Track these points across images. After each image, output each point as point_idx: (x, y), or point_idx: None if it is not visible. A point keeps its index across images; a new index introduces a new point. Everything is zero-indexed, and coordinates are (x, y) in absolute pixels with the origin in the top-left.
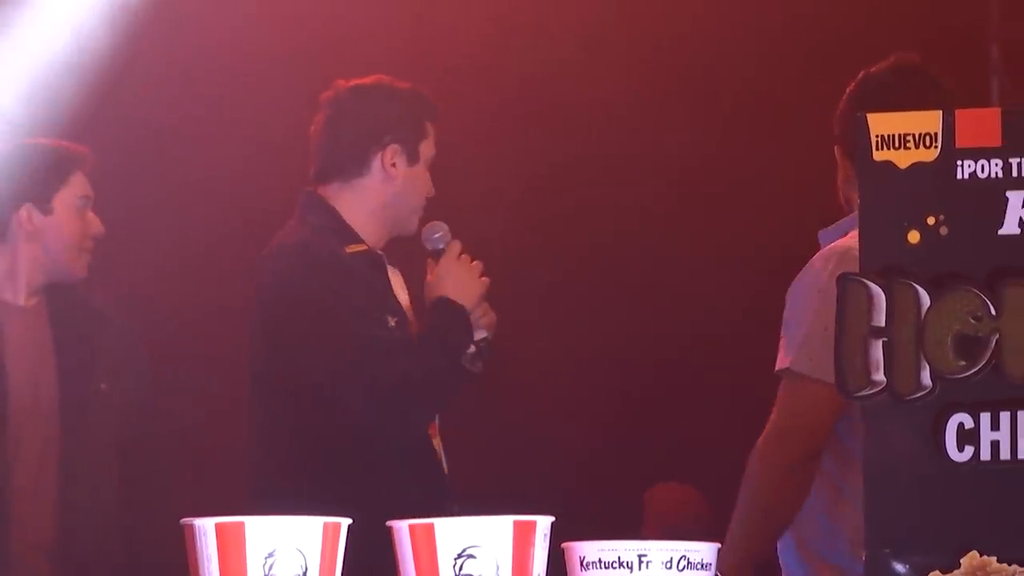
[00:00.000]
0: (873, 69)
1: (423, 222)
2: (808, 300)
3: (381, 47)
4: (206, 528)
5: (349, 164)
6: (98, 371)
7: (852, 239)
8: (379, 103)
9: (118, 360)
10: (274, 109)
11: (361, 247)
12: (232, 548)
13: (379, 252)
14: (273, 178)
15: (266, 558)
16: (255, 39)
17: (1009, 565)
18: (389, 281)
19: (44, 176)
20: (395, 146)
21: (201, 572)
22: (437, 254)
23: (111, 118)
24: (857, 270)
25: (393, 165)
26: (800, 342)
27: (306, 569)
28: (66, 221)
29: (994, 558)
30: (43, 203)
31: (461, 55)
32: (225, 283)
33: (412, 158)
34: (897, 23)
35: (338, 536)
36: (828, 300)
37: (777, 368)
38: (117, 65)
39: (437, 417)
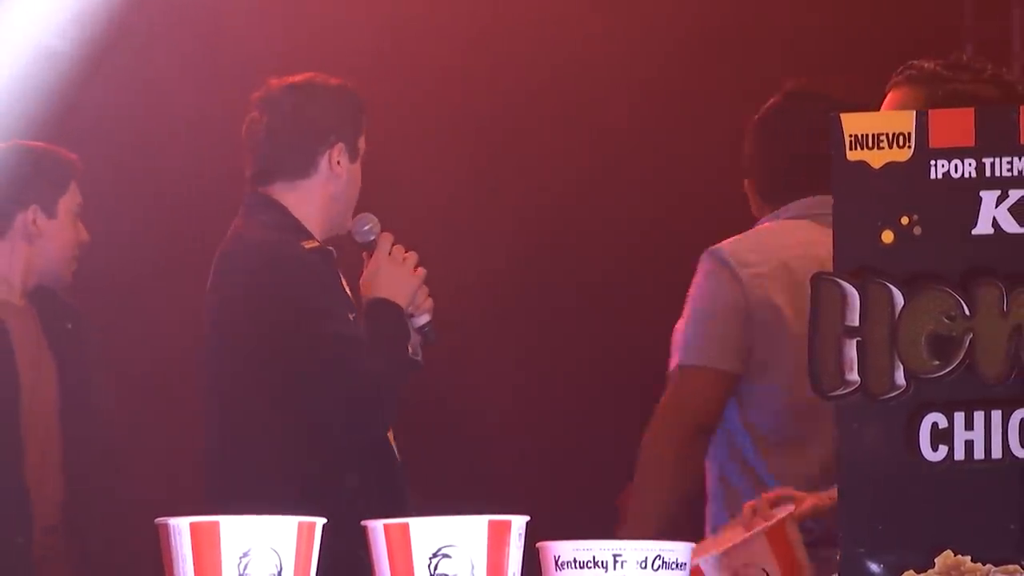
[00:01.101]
0: (767, 104)
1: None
2: (690, 304)
3: (369, 45)
4: (180, 528)
5: (294, 165)
6: (87, 372)
7: (730, 240)
8: (319, 102)
9: (97, 362)
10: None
11: (315, 243)
12: (207, 548)
13: (330, 248)
14: (233, 182)
15: (241, 557)
16: (237, 42)
17: (983, 564)
18: (338, 276)
19: (51, 180)
20: (340, 145)
21: (176, 572)
22: (368, 247)
23: (79, 121)
24: (721, 260)
25: (338, 163)
26: (684, 343)
27: (281, 568)
28: (66, 226)
29: (968, 557)
30: (49, 206)
31: (441, 56)
32: (192, 284)
33: (353, 155)
34: (871, 23)
35: (313, 535)
36: (698, 297)
37: (669, 371)
38: (85, 70)
39: None
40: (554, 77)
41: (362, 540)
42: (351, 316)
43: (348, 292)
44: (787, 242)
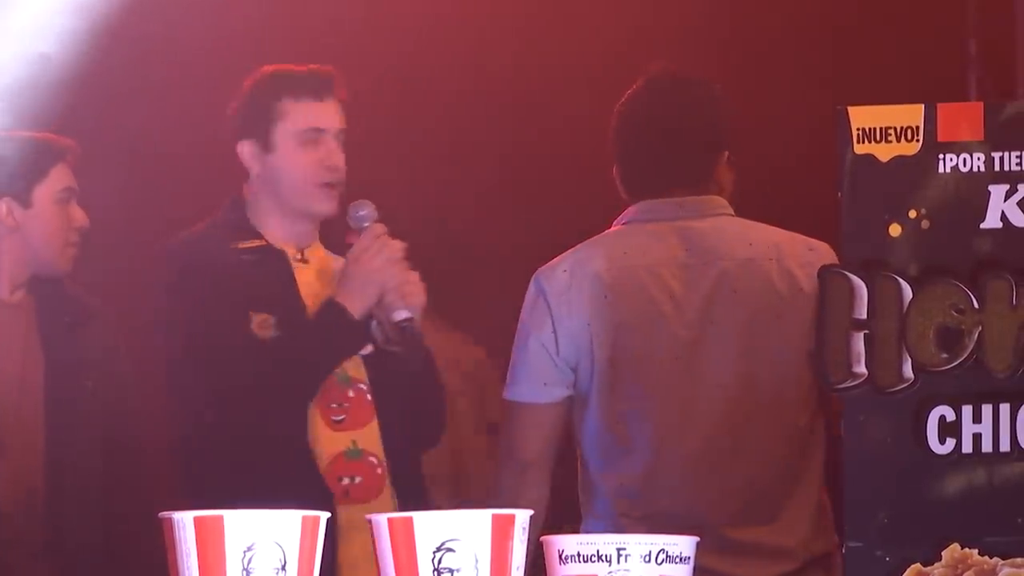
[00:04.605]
0: (629, 91)
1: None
2: (517, 332)
3: (351, 31)
4: (184, 522)
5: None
6: (84, 368)
7: (556, 259)
8: (241, 95)
9: (102, 357)
10: None
11: (256, 242)
12: (211, 542)
13: (279, 247)
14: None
15: (245, 552)
16: (245, 32)
17: (991, 558)
18: (288, 275)
19: (22, 169)
20: (247, 141)
21: (180, 566)
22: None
23: (94, 110)
24: (537, 286)
25: (255, 158)
26: (510, 374)
27: (285, 562)
28: (47, 214)
29: (975, 551)
30: (22, 196)
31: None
32: None
33: (267, 147)
34: (875, 19)
35: (317, 529)
36: (520, 326)
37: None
38: (102, 55)
39: (321, 407)
40: (541, 63)
41: None
42: (258, 317)
43: (292, 292)
44: (609, 251)
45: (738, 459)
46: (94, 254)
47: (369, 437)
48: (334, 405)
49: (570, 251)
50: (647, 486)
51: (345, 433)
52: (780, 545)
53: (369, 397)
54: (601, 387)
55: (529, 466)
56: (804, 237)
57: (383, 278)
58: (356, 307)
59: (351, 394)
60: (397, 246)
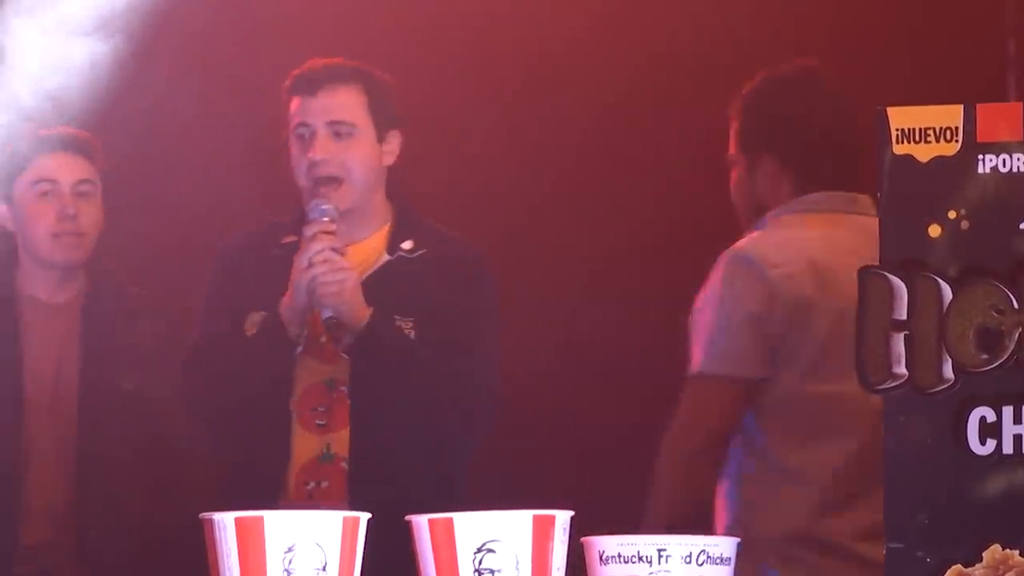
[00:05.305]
0: (783, 80)
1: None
2: (708, 306)
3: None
4: (225, 523)
5: None
6: (124, 370)
7: (746, 239)
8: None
9: (148, 358)
10: None
11: (291, 239)
12: (252, 543)
13: None
14: None
15: (286, 552)
16: (281, 25)
17: None
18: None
19: (5, 165)
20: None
21: (220, 567)
22: None
23: (136, 107)
24: (746, 261)
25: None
26: (706, 350)
27: (326, 563)
28: (26, 208)
29: (1016, 551)
30: (7, 192)
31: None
32: None
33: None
34: (914, 20)
35: (357, 530)
36: (722, 302)
37: (691, 373)
38: (142, 51)
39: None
40: (568, 62)
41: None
42: (258, 315)
43: None
44: (812, 235)
45: None
46: (150, 252)
47: (342, 441)
48: (320, 409)
49: (761, 235)
50: (851, 471)
51: (324, 437)
52: None
53: (348, 401)
54: (808, 367)
55: (716, 444)
56: None
57: (306, 279)
58: (286, 312)
59: (334, 397)
60: (321, 245)
